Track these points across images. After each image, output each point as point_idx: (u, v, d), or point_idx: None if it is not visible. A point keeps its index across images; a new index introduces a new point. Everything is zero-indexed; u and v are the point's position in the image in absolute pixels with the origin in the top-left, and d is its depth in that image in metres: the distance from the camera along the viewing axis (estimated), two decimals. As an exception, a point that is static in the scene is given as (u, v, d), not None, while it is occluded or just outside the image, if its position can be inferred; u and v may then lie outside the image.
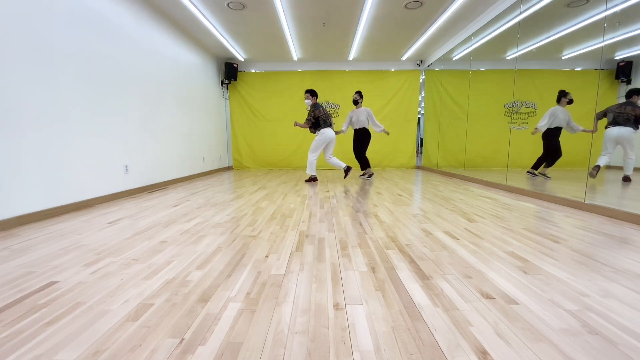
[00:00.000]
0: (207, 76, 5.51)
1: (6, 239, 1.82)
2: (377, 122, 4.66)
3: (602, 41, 2.61)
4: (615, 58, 3.00)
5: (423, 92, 6.59)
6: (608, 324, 0.92)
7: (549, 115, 3.76)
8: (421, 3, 3.76)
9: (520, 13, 3.47)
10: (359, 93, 4.62)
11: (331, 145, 4.27)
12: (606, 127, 3.24)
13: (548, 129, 3.81)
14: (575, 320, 0.94)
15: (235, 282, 1.21)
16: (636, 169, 3.16)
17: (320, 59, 6.13)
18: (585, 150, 2.94)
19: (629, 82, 3.09)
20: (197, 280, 1.23)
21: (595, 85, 2.91)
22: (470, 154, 4.85)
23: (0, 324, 0.94)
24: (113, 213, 2.47)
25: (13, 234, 1.93)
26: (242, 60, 6.11)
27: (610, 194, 2.88)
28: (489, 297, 1.08)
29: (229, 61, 6.03)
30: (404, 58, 6.08)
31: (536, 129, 3.86)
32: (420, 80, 6.41)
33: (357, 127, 4.70)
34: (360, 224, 2.07)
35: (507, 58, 3.94)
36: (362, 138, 4.73)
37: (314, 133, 4.23)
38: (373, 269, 1.33)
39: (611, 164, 3.29)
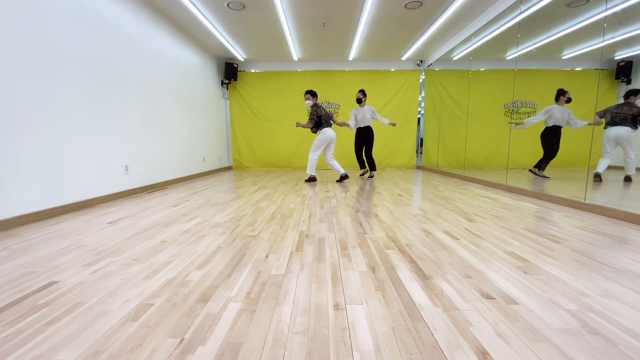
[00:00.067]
0: (207, 76, 5.51)
1: (6, 239, 1.82)
2: (381, 117, 4.66)
3: (602, 41, 2.61)
4: (615, 58, 3.00)
5: (423, 92, 6.59)
6: (608, 324, 0.92)
7: (543, 113, 3.77)
8: (421, 3, 3.76)
9: (520, 13, 3.47)
10: (362, 92, 4.61)
11: (332, 146, 4.27)
12: (605, 128, 3.25)
13: (546, 127, 3.81)
14: (575, 320, 0.94)
15: (235, 282, 1.21)
16: (638, 169, 3.16)
17: (320, 59, 6.13)
18: (585, 150, 2.94)
19: (629, 82, 3.09)
20: (197, 280, 1.23)
21: (595, 85, 2.91)
22: (470, 154, 4.85)
23: (0, 324, 0.94)
24: (113, 213, 2.47)
25: (13, 234, 1.93)
26: (242, 60, 6.11)
27: (610, 194, 2.88)
28: (489, 297, 1.08)
29: (229, 61, 6.03)
30: (404, 58, 6.08)
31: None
32: (420, 80, 6.41)
33: (362, 126, 4.69)
34: (360, 224, 2.07)
35: (507, 58, 3.94)
36: (366, 138, 4.72)
37: (315, 133, 4.23)
38: (373, 269, 1.33)
39: (611, 164, 3.29)
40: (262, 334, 0.88)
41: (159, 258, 1.47)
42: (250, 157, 6.59)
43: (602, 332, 0.87)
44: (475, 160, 4.93)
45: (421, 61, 6.23)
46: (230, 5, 3.76)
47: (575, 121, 3.60)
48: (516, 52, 3.62)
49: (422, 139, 6.93)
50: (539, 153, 3.95)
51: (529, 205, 2.70)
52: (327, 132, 4.15)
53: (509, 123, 4.07)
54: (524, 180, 3.78)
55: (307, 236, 1.81)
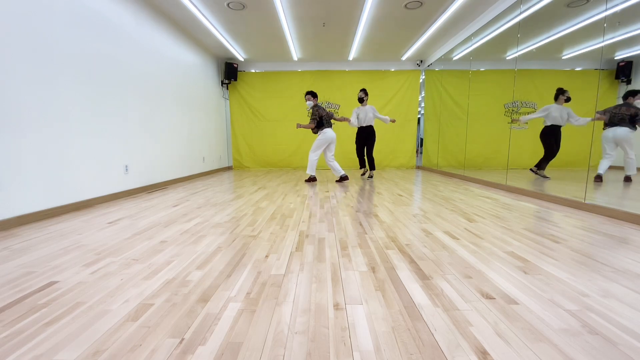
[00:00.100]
0: (207, 76, 5.51)
1: (6, 239, 1.82)
2: (381, 116, 4.67)
3: (602, 41, 2.61)
4: (615, 58, 3.00)
5: (423, 92, 6.59)
6: (608, 324, 0.92)
7: (540, 112, 3.77)
8: (421, 3, 3.76)
9: (520, 13, 3.47)
10: (364, 91, 4.60)
11: (332, 146, 4.28)
12: (603, 129, 3.25)
13: (544, 127, 3.81)
14: (575, 320, 0.94)
15: (235, 282, 1.21)
16: (639, 169, 3.16)
17: (320, 59, 6.13)
18: (586, 150, 2.94)
19: (629, 82, 3.09)
20: (197, 280, 1.23)
21: (595, 85, 2.91)
22: (470, 154, 4.85)
23: (0, 324, 0.94)
24: (113, 213, 2.47)
25: (13, 234, 1.93)
26: (242, 60, 6.11)
27: (610, 194, 2.88)
28: (489, 297, 1.08)
29: (229, 61, 6.03)
30: (404, 58, 6.08)
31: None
32: (420, 80, 6.41)
33: (365, 125, 4.68)
34: (360, 224, 2.07)
35: (507, 58, 3.94)
36: (368, 137, 4.71)
37: (316, 133, 4.23)
38: (373, 269, 1.33)
39: (611, 164, 3.29)
40: (262, 334, 0.88)
41: (159, 258, 1.47)
42: (250, 157, 6.59)
43: (602, 332, 0.87)
44: (475, 160, 4.93)
45: (421, 61, 6.23)
46: (230, 5, 3.76)
47: (576, 118, 3.59)
48: (516, 52, 3.62)
49: (422, 139, 6.93)
50: (539, 153, 3.95)
51: (529, 205, 2.70)
52: (328, 132, 4.16)
53: (509, 123, 4.07)
54: (524, 180, 3.78)
55: (307, 236, 1.81)
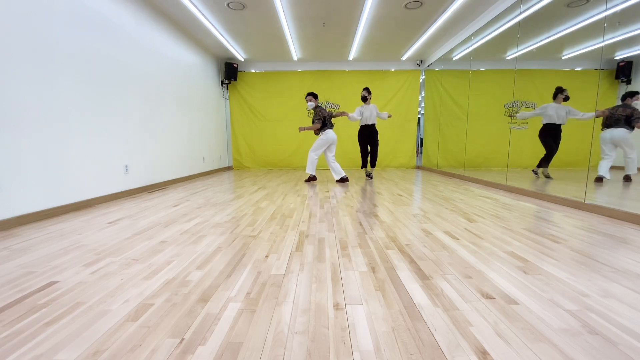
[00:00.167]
0: (207, 76, 5.51)
1: (6, 239, 1.82)
2: (381, 113, 4.66)
3: (602, 41, 2.61)
4: (615, 58, 3.00)
5: (423, 92, 6.59)
6: (608, 324, 0.92)
7: (537, 110, 3.79)
8: (421, 3, 3.76)
9: (520, 13, 3.47)
10: (367, 89, 4.58)
11: (333, 147, 4.28)
12: (602, 130, 3.26)
13: (542, 126, 3.82)
14: (575, 320, 0.94)
15: (235, 282, 1.21)
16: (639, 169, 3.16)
17: (320, 59, 6.13)
18: (586, 150, 2.94)
19: (629, 82, 3.09)
20: (197, 280, 1.23)
21: (595, 85, 2.91)
22: (470, 154, 4.85)
23: (0, 324, 0.94)
24: (113, 213, 2.47)
25: (13, 234, 1.93)
26: (242, 60, 6.11)
27: (610, 194, 2.88)
28: (489, 297, 1.08)
29: (229, 61, 6.03)
30: (404, 58, 6.08)
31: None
32: (420, 80, 6.41)
33: (369, 123, 4.67)
34: (360, 224, 2.07)
35: (507, 58, 3.94)
36: (372, 135, 4.69)
37: (318, 134, 4.23)
38: (373, 269, 1.33)
39: (611, 165, 3.29)
40: (262, 334, 0.88)
41: (159, 258, 1.47)
42: (250, 157, 6.59)
43: (602, 332, 0.87)
44: (475, 160, 4.93)
45: (421, 61, 6.23)
46: (230, 5, 3.76)
47: (578, 113, 3.57)
48: (516, 52, 3.62)
49: (422, 139, 6.93)
50: (539, 153, 3.95)
51: (529, 205, 2.70)
52: (329, 133, 4.17)
53: (509, 122, 4.07)
54: (524, 180, 3.78)
55: (307, 236, 1.81)
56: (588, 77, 3.69)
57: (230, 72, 5.95)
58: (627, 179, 3.20)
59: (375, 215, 2.32)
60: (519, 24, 3.53)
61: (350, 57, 5.97)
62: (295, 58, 5.97)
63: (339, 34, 4.78)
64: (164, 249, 1.60)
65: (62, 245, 1.67)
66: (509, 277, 1.24)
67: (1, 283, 1.23)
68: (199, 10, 3.89)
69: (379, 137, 6.19)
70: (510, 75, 3.75)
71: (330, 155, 4.29)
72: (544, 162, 3.89)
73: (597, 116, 3.20)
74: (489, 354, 0.79)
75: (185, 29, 4.51)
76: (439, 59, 5.57)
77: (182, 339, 0.85)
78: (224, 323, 0.93)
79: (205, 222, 2.14)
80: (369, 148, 4.80)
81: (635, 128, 3.07)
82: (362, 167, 5.02)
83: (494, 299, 1.07)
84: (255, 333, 0.88)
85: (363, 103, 4.70)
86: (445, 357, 0.78)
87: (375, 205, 2.69)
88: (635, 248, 1.60)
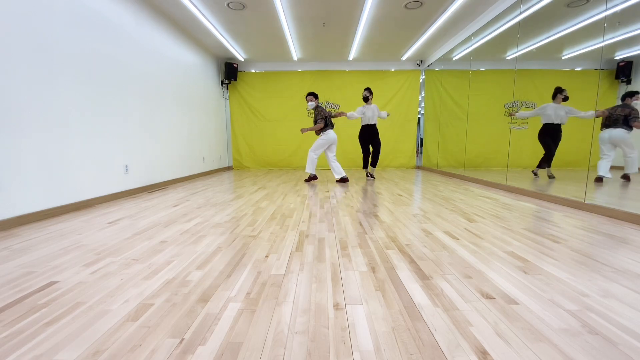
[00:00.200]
0: (207, 76, 5.51)
1: (6, 239, 1.82)
2: (381, 112, 4.66)
3: (602, 41, 2.61)
4: (615, 58, 3.00)
5: (423, 92, 6.59)
6: (608, 324, 0.92)
7: (536, 110, 3.80)
8: (421, 3, 3.76)
9: (520, 13, 3.47)
10: (368, 89, 4.56)
11: (333, 147, 4.29)
12: (601, 130, 3.26)
13: (541, 125, 3.82)
14: (575, 320, 0.94)
15: (235, 282, 1.21)
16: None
17: (320, 59, 6.13)
18: (586, 150, 2.94)
19: (629, 82, 3.09)
20: (197, 280, 1.23)
21: (595, 85, 2.90)
22: (470, 154, 4.85)
23: (0, 324, 0.94)
24: (113, 213, 2.47)
25: (13, 234, 1.93)
26: (242, 60, 6.11)
27: (610, 194, 2.88)
28: (489, 297, 1.08)
29: (229, 61, 6.03)
30: (404, 58, 6.08)
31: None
32: (420, 80, 6.41)
33: (371, 123, 4.66)
34: (360, 224, 2.07)
35: (507, 58, 3.94)
36: (374, 135, 4.68)
37: (318, 135, 4.23)
38: (373, 269, 1.33)
39: (611, 164, 3.29)
40: (262, 334, 0.88)
41: (159, 258, 1.47)
42: (250, 157, 6.59)
43: (602, 332, 0.87)
44: (475, 160, 4.93)
45: (421, 61, 6.23)
46: (230, 5, 3.76)
47: (579, 112, 3.57)
48: (516, 52, 3.62)
49: (422, 139, 6.92)
50: (539, 153, 3.95)
51: (529, 205, 2.70)
52: (330, 133, 4.17)
53: (509, 123, 4.07)
54: (524, 180, 3.78)
55: (307, 236, 1.81)
56: (588, 77, 3.69)
57: (230, 72, 5.95)
58: (626, 177, 3.20)
59: (375, 215, 2.32)
60: (519, 24, 3.53)
61: (350, 57, 5.97)
62: (295, 58, 5.97)
63: (339, 34, 4.78)
64: (164, 249, 1.60)
65: (62, 245, 1.67)
66: (509, 277, 1.24)
67: (1, 283, 1.23)
68: (199, 10, 3.89)
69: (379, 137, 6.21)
70: (510, 75, 3.75)
71: (331, 155, 4.29)
72: (544, 162, 3.89)
73: (597, 116, 3.20)
74: (489, 354, 0.79)
75: (185, 29, 4.51)
76: (439, 59, 5.57)
77: (182, 339, 0.85)
78: (224, 323, 0.93)
79: (205, 222, 2.14)
80: (370, 148, 4.80)
81: (634, 128, 3.07)
82: (363, 168, 5.00)
83: (494, 299, 1.07)
84: (255, 333, 0.88)
85: (364, 103, 4.70)
86: (445, 357, 0.78)
87: (375, 205, 2.69)
88: (635, 248, 1.60)
